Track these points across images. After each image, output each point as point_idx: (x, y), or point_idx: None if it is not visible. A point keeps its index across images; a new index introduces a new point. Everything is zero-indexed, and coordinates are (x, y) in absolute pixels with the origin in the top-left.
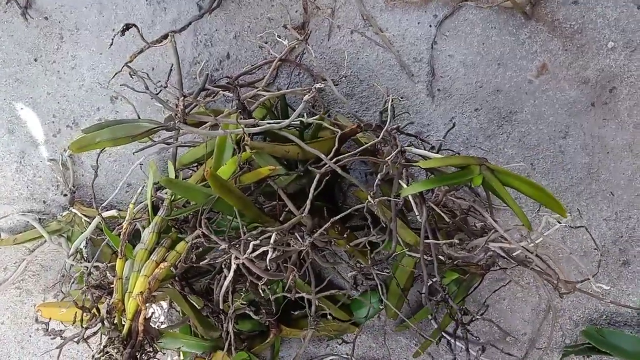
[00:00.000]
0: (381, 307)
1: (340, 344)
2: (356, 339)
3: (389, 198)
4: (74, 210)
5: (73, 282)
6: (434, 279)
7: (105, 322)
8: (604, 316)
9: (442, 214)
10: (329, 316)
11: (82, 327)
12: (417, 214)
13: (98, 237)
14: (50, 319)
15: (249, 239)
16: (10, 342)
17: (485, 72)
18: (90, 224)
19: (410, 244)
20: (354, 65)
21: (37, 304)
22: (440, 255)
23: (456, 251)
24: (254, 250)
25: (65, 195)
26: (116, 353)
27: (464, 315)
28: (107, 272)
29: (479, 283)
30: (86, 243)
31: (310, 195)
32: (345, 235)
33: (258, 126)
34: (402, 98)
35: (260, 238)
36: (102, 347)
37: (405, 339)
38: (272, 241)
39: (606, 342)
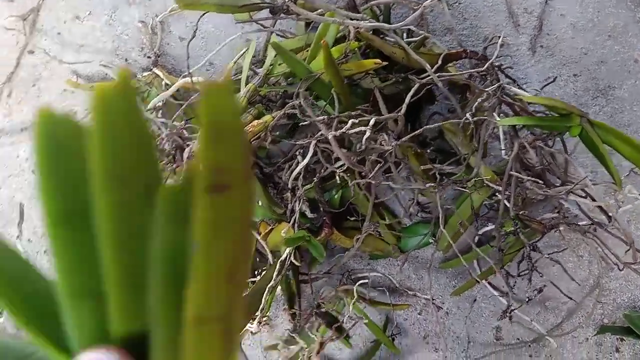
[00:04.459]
0: (430, 241)
1: (380, 266)
2: (404, 263)
3: (485, 118)
4: (156, 71)
5: None
6: (501, 221)
7: (184, 166)
8: None
9: (532, 151)
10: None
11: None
12: (503, 148)
13: (174, 102)
14: None
15: (345, 117)
16: None
17: (594, 40)
18: (169, 89)
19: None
20: (462, 1)
21: None
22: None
23: (540, 189)
24: (352, 127)
25: (149, 57)
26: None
27: (532, 251)
28: (184, 130)
29: (538, 240)
30: (161, 106)
31: (407, 99)
32: (424, 155)
33: (370, 23)
34: (502, 46)
35: (358, 119)
36: None
37: (445, 278)
38: (370, 124)
39: None
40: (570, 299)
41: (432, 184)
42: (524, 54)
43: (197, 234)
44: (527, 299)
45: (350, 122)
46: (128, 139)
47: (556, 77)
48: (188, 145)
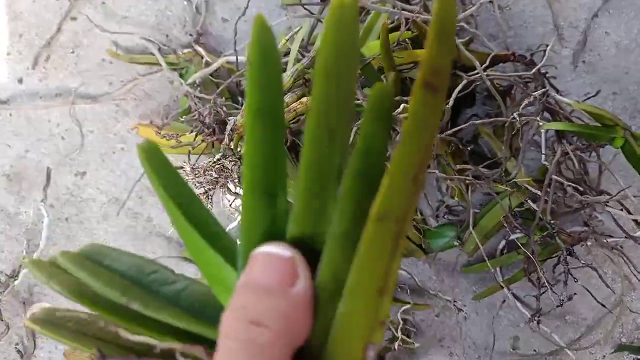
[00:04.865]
0: (455, 244)
1: (402, 264)
2: (432, 262)
3: (533, 118)
4: (198, 48)
5: (172, 117)
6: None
7: (226, 138)
8: None
9: (575, 158)
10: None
11: (195, 139)
12: (543, 153)
13: (211, 80)
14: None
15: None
16: (93, 152)
17: (636, 60)
18: (208, 67)
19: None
20: (509, 10)
21: (131, 125)
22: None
23: (580, 195)
24: (403, 112)
25: (190, 35)
26: (231, 164)
27: (568, 255)
28: (224, 107)
29: (565, 252)
30: (199, 82)
31: (455, 93)
32: (465, 152)
33: (424, 15)
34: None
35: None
36: (216, 158)
37: (467, 282)
38: None
39: None
40: (604, 306)
41: (470, 179)
42: (566, 67)
43: (407, 124)
44: (559, 303)
45: (402, 106)
46: (350, 44)
47: (599, 91)
48: (229, 120)
